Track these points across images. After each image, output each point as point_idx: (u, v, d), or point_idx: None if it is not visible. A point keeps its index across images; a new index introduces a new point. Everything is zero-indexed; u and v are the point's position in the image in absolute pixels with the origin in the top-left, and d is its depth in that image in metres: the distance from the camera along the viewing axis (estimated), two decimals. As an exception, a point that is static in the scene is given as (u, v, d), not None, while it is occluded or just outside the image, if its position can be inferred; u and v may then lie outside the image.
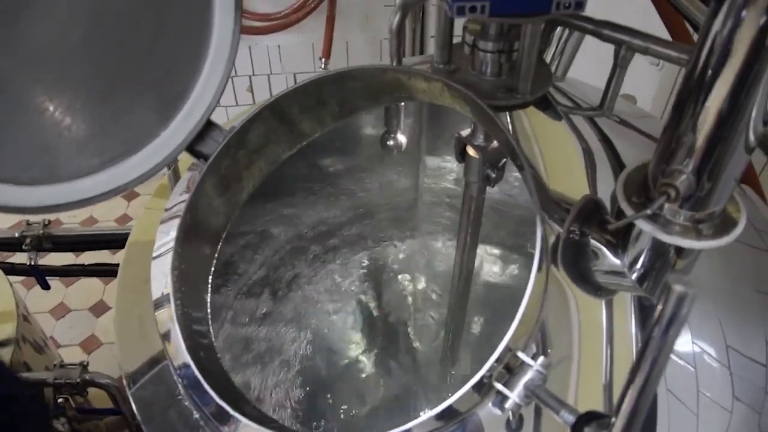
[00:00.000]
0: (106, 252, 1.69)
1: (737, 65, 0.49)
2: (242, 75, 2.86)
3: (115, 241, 1.53)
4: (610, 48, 0.81)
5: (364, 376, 1.44)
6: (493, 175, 0.82)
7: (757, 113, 0.52)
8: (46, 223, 1.46)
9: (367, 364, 1.46)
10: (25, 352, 1.47)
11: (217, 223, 0.79)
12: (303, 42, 2.76)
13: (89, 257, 1.80)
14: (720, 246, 0.59)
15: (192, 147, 0.79)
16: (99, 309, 2.68)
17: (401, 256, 1.52)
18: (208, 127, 0.79)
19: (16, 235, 1.45)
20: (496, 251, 1.42)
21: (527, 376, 0.57)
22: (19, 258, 1.58)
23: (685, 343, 0.74)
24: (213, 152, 0.77)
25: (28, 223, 1.45)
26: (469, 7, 0.63)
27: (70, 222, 2.93)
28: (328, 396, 1.37)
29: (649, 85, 1.89)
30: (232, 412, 0.61)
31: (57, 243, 1.48)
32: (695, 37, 1.04)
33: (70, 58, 0.72)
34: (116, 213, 3.06)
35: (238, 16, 0.75)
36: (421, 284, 1.54)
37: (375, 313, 1.52)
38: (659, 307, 0.37)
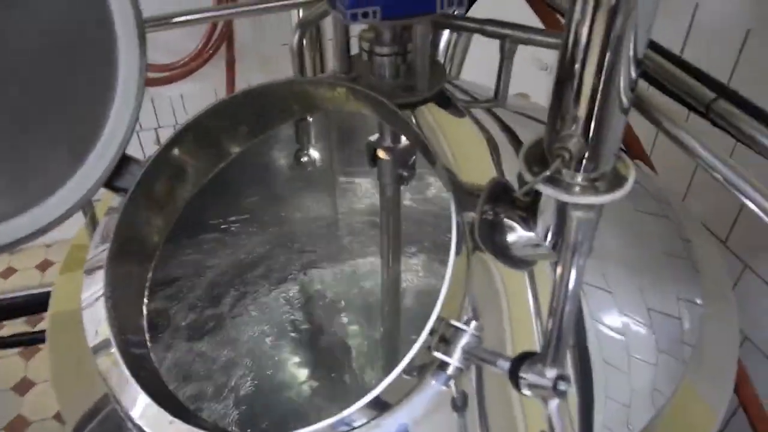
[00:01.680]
0: (20, 322, 1.62)
1: (598, 42, 0.57)
2: (148, 128, 2.83)
3: (33, 305, 1.47)
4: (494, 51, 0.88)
5: (304, 402, 1.43)
6: (406, 174, 0.87)
7: (624, 81, 0.59)
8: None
9: (307, 390, 1.46)
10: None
11: (145, 252, 0.79)
12: (205, 88, 2.77)
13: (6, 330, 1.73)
14: (616, 199, 0.64)
15: (110, 183, 0.79)
16: (23, 387, 2.54)
17: (329, 277, 1.53)
18: (124, 161, 0.80)
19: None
20: (420, 258, 1.46)
21: (463, 340, 0.61)
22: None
23: (614, 318, 0.79)
24: (131, 186, 0.78)
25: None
26: (362, 12, 0.67)
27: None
28: (268, 425, 1.35)
29: (541, 87, 2.01)
30: (187, 427, 0.62)
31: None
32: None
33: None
34: (29, 284, 2.93)
35: (143, 48, 0.77)
36: (352, 302, 1.55)
37: (310, 339, 1.52)
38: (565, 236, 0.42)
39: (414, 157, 0.87)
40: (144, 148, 2.86)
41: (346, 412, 0.63)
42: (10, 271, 2.98)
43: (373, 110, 0.75)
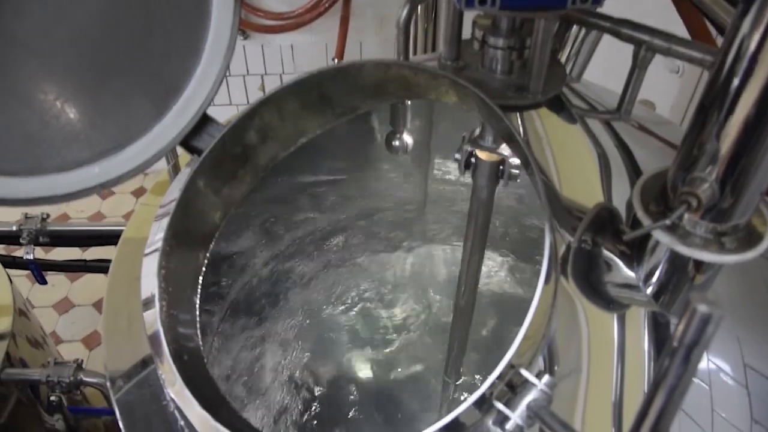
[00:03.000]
0: (112, 247, 1.66)
1: (767, 69, 0.45)
2: (254, 73, 2.83)
3: (114, 237, 1.50)
4: (626, 51, 0.77)
5: (365, 383, 1.40)
6: (503, 178, 0.78)
7: (787, 119, 0.48)
8: (45, 217, 1.44)
9: (369, 371, 1.42)
10: (22, 348, 1.44)
11: (209, 222, 0.75)
12: (316, 42, 2.73)
13: (95, 253, 1.78)
14: (744, 261, 0.54)
15: (187, 142, 0.75)
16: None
17: (407, 261, 1.48)
18: (204, 121, 0.75)
19: (14, 228, 1.42)
20: (506, 258, 1.38)
21: (530, 396, 0.53)
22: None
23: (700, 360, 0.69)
24: (207, 147, 0.74)
25: (27, 217, 1.43)
26: (479, -1, 0.59)
27: (78, 217, 2.92)
28: (324, 402, 1.33)
29: (668, 92, 1.84)
30: (212, 422, 0.58)
31: (55, 237, 1.45)
32: (718, 38, 1.00)
33: (60, 46, 0.69)
34: (125, 209, 3.04)
35: (237, 8, 0.71)
36: (427, 290, 1.50)
37: (379, 319, 1.48)
38: (679, 330, 0.33)
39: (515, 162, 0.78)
40: (248, 93, 2.88)
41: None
42: (108, 193, 3.10)
43: (474, 108, 0.67)
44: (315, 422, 1.31)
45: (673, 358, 0.33)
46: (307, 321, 1.36)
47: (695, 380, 0.69)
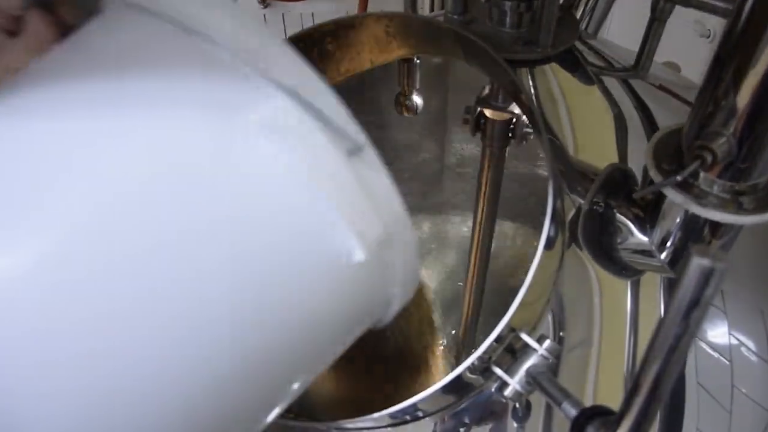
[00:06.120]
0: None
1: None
2: (275, 43, 2.81)
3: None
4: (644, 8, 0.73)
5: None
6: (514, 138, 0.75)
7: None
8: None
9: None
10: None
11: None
12: (337, 10, 2.68)
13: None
14: (763, 222, 0.51)
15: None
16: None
17: (424, 229, 1.46)
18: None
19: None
20: (529, 229, 1.35)
21: (530, 361, 0.50)
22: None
23: (721, 334, 0.66)
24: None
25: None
26: (483, -57, 0.55)
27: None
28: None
29: (699, 58, 1.77)
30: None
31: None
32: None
33: None
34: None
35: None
36: (446, 260, 1.47)
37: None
38: (680, 285, 0.30)
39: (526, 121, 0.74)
40: (269, 63, 2.85)
41: (400, 406, 0.55)
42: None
43: (478, 62, 0.63)
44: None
45: (671, 316, 0.31)
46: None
47: (716, 355, 0.66)
